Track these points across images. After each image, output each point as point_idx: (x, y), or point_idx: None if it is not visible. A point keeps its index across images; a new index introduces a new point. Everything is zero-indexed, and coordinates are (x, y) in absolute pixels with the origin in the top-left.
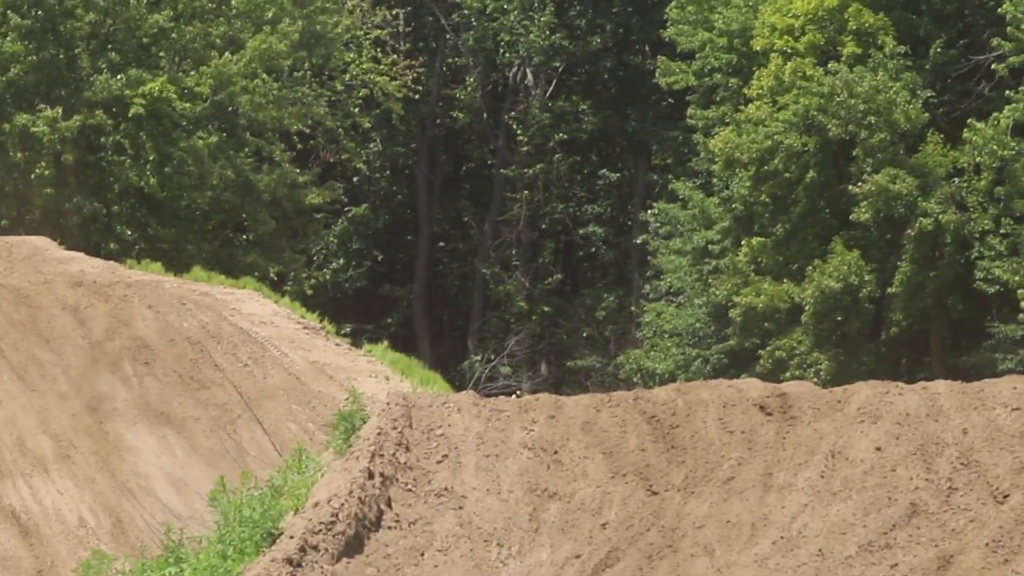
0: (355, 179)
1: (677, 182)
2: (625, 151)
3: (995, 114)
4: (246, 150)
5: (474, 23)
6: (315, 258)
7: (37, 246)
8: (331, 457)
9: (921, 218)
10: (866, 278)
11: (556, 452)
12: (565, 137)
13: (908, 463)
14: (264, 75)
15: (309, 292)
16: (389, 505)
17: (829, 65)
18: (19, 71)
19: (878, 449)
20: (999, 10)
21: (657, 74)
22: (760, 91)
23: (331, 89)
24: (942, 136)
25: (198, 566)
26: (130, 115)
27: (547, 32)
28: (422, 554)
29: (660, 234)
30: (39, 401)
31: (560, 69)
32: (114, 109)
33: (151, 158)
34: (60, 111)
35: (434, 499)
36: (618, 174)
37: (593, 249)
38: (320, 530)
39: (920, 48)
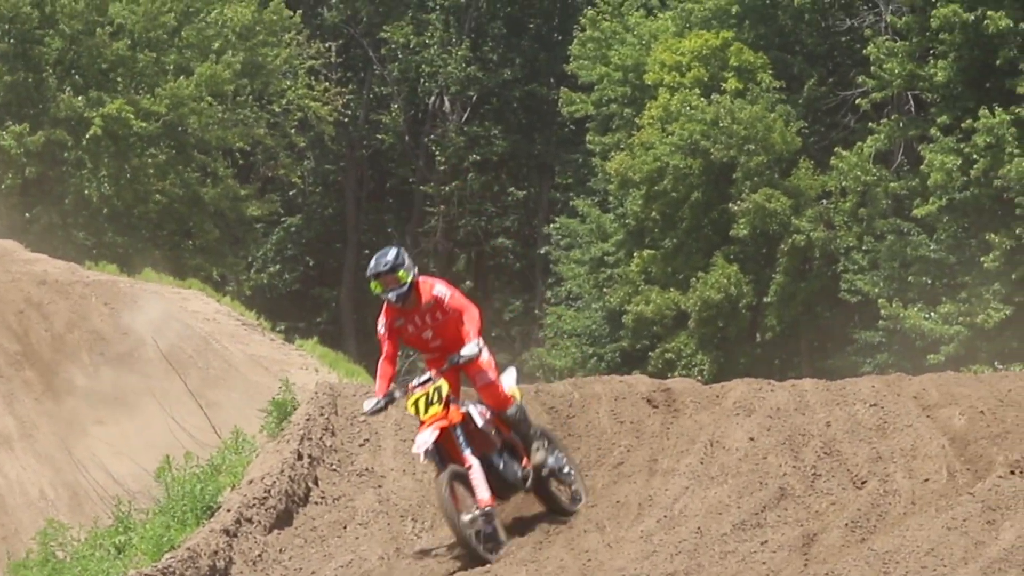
0: (291, 193)
1: (577, 200)
2: (531, 171)
3: (859, 143)
4: (193, 166)
5: (399, 56)
6: (254, 263)
7: (6, 248)
8: (265, 440)
9: (794, 235)
10: (744, 289)
11: None
12: (478, 158)
13: (778, 452)
14: (210, 99)
15: (248, 293)
16: (316, 483)
17: (712, 97)
18: None
19: (751, 439)
20: (864, 52)
21: (560, 103)
22: (651, 120)
23: (270, 112)
24: (812, 162)
25: (145, 535)
26: (88, 135)
27: (463, 65)
28: (345, 527)
29: (561, 246)
30: (6, 386)
31: (474, 98)
32: (74, 125)
33: (105, 173)
34: (27, 127)
35: (356, 478)
36: (525, 192)
37: (502, 259)
38: (254, 504)
39: (794, 84)
